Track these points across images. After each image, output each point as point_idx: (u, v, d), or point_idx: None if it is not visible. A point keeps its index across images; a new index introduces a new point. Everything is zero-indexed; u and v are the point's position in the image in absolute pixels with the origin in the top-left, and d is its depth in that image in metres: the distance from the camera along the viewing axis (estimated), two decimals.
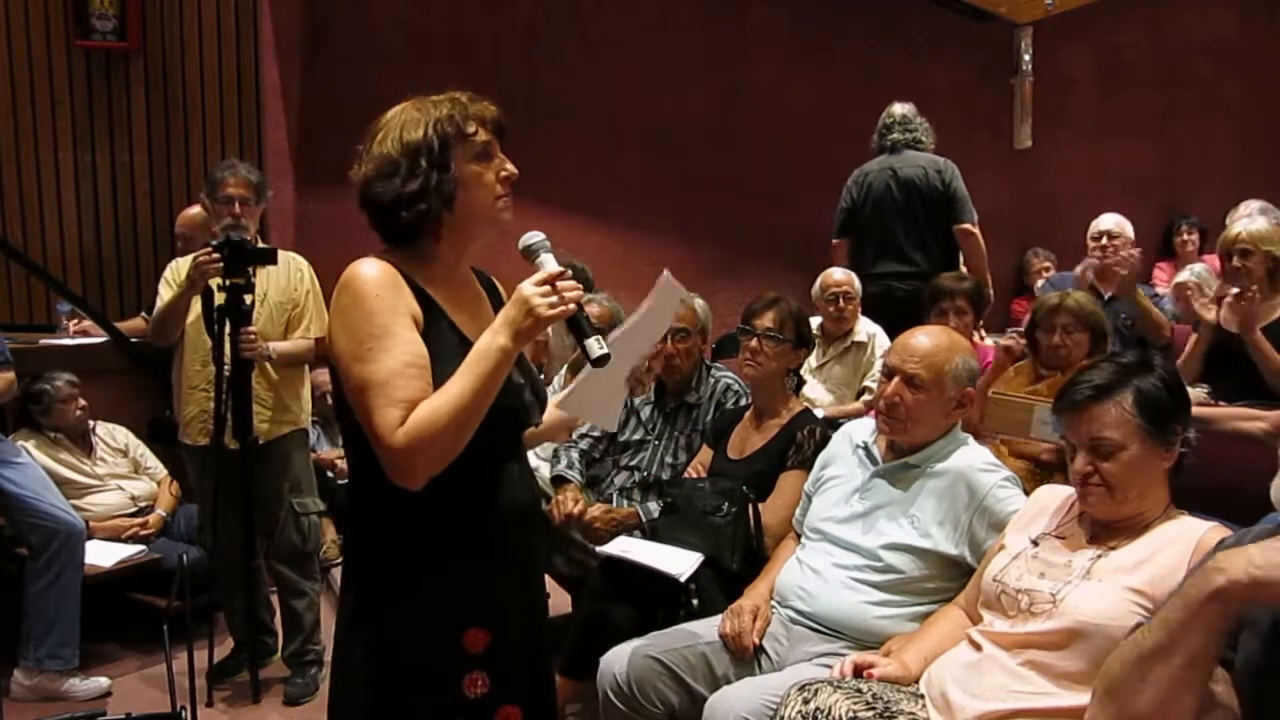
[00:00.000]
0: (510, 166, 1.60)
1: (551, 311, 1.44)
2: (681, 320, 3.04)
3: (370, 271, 1.50)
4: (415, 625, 1.55)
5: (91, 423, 3.80)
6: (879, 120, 4.45)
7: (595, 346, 1.48)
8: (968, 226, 4.20)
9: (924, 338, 2.23)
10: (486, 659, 1.56)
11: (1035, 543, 1.83)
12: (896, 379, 2.18)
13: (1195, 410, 2.74)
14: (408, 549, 1.55)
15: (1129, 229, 4.16)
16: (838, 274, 4.03)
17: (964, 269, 4.21)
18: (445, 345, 1.52)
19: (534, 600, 1.71)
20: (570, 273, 1.50)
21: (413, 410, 1.43)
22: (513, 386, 1.56)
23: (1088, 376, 1.76)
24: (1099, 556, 1.73)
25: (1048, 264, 5.69)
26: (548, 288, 1.46)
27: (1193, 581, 1.20)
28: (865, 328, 4.00)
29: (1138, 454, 1.70)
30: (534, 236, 1.56)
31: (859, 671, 1.88)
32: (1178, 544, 1.67)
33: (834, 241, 4.51)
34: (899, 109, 4.41)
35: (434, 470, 1.45)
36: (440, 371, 1.47)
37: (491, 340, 1.46)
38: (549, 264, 1.51)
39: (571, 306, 1.46)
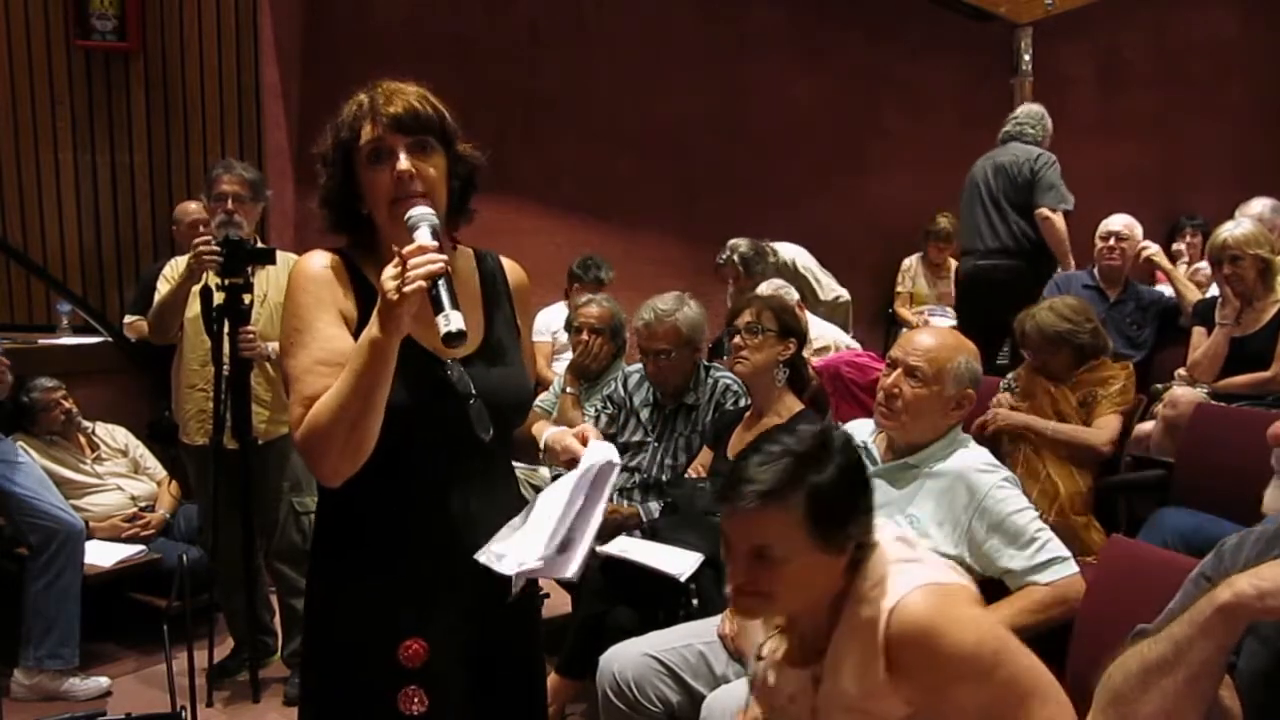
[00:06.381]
0: (403, 164, 1.43)
1: (396, 295, 1.32)
2: (664, 340, 2.99)
3: (305, 265, 1.49)
4: (349, 634, 1.48)
5: (90, 424, 3.80)
6: None
7: (442, 323, 1.33)
8: (1044, 211, 4.39)
9: (930, 335, 2.23)
10: (424, 674, 1.46)
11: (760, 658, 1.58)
12: (897, 371, 2.17)
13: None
14: (347, 554, 1.51)
15: (1138, 230, 4.21)
16: (765, 288, 3.98)
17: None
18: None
19: (486, 616, 1.53)
20: (435, 245, 1.35)
21: None
22: (455, 398, 1.47)
23: (752, 474, 1.39)
24: (815, 684, 1.45)
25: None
26: (398, 270, 1.33)
27: (1202, 598, 1.19)
28: (827, 333, 4.02)
29: (806, 564, 1.39)
30: (416, 210, 1.41)
31: None
32: (861, 633, 1.39)
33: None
34: (1022, 109, 4.75)
35: (336, 467, 1.39)
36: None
37: (365, 334, 1.37)
38: (419, 239, 1.37)
39: (420, 284, 1.31)
